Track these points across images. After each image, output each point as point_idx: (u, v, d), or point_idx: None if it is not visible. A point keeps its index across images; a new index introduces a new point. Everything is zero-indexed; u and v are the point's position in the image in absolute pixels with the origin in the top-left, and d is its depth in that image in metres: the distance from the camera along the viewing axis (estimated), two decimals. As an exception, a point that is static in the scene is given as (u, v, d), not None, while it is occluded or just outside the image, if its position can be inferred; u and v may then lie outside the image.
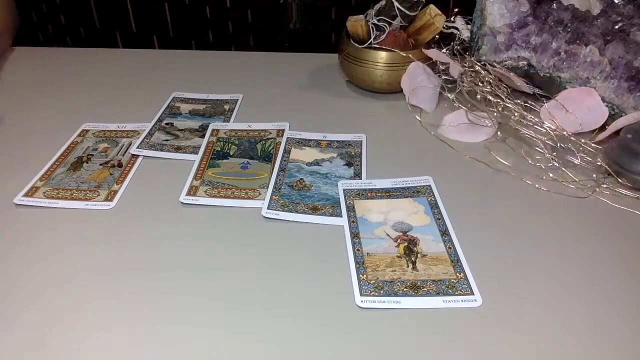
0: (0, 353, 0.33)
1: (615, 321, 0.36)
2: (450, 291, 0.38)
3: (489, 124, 0.57)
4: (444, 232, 0.43)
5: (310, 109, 0.63)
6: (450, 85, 0.62)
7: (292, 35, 0.78)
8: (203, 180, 0.50)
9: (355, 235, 0.43)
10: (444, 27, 0.64)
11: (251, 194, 0.48)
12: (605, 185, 0.50)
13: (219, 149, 0.55)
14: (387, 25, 0.62)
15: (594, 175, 0.51)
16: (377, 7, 0.62)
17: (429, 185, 0.49)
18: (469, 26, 0.67)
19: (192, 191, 0.48)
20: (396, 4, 0.61)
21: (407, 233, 0.43)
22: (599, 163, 0.52)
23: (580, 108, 0.56)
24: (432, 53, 0.63)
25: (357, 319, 0.36)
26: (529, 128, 0.56)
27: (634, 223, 0.46)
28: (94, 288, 0.38)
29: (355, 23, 0.63)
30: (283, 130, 0.58)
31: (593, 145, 0.54)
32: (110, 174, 0.50)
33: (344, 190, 0.48)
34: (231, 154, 0.54)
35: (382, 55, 0.63)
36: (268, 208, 0.46)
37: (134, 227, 0.45)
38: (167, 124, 0.60)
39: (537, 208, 0.47)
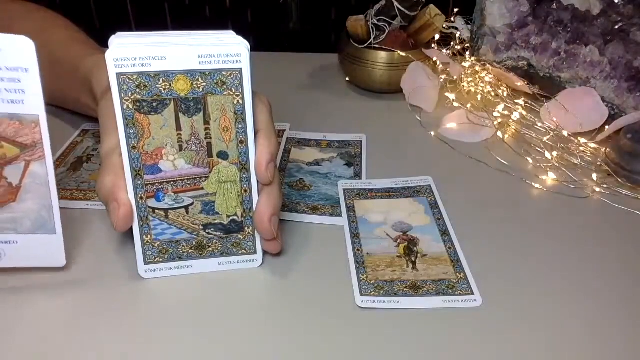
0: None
1: (615, 321, 0.36)
2: (450, 291, 0.38)
3: (489, 124, 0.57)
4: (444, 232, 0.43)
5: (310, 109, 0.63)
6: (450, 85, 0.62)
7: (292, 35, 0.78)
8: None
9: (355, 235, 0.43)
10: (444, 27, 0.64)
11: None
12: (605, 185, 0.50)
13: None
14: (387, 25, 0.62)
15: (594, 175, 0.51)
16: (377, 7, 0.62)
17: (429, 185, 0.49)
18: (469, 26, 0.67)
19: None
20: (396, 4, 0.61)
21: (407, 233, 0.43)
22: (599, 163, 0.52)
23: (580, 108, 0.56)
24: (432, 53, 0.63)
25: (357, 319, 0.36)
26: (529, 128, 0.57)
27: (634, 223, 0.46)
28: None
29: (355, 23, 0.63)
30: (283, 131, 0.58)
31: (593, 145, 0.54)
32: (110, 174, 0.50)
33: (344, 190, 0.48)
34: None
35: (382, 55, 0.62)
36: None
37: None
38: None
39: (537, 208, 0.47)
